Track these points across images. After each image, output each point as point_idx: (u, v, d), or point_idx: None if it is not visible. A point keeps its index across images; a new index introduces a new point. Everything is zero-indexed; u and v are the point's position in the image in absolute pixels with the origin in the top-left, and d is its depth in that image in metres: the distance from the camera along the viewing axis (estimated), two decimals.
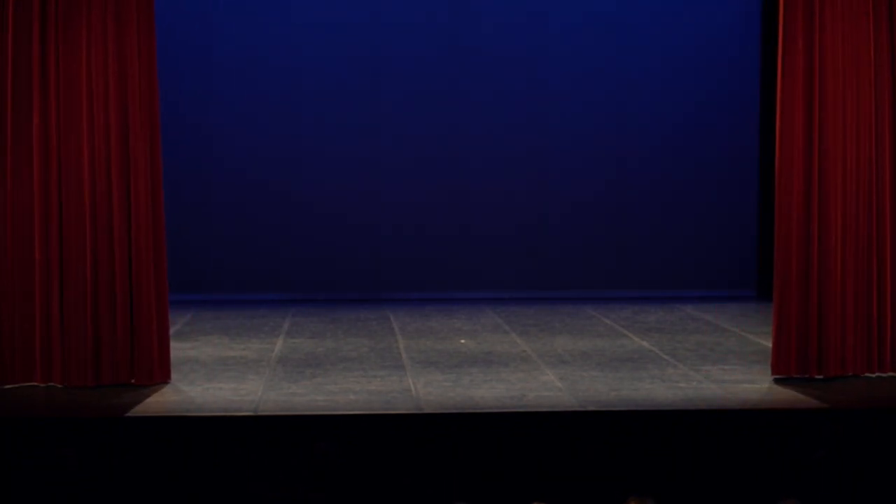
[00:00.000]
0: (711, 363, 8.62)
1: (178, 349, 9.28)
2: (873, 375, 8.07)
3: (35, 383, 7.80)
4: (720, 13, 12.27)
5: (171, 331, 10.07)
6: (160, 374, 7.91)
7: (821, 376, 7.99)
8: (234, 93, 12.04)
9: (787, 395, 7.61)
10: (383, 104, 12.14)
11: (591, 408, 7.23)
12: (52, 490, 6.69)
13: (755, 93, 12.19)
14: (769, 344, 9.39)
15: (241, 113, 12.05)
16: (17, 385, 7.78)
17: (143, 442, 6.90)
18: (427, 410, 7.17)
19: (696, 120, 12.28)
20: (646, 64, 12.22)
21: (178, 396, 7.59)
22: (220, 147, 12.05)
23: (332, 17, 12.09)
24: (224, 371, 8.37)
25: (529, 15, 12.17)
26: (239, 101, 12.05)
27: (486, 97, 12.18)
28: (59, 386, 7.78)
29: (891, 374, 8.09)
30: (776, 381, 7.99)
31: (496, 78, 12.16)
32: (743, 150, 12.25)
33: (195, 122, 12.02)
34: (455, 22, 12.16)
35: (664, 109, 12.24)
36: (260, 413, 7.10)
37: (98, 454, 6.82)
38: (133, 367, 7.85)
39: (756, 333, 9.99)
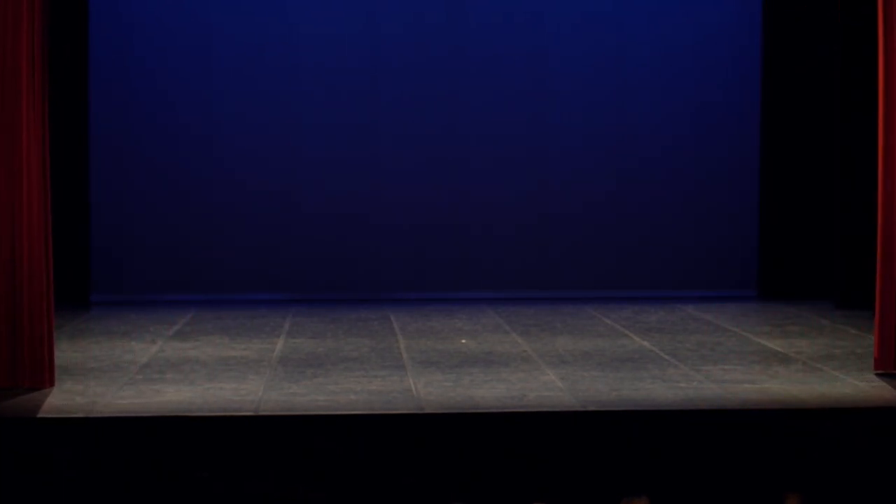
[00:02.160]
0: (712, 363, 8.62)
1: (179, 349, 9.29)
2: None
3: None
4: (720, 13, 12.27)
5: (172, 330, 10.14)
6: (46, 378, 7.77)
7: None
8: (232, 93, 12.04)
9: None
10: (383, 104, 12.15)
11: (591, 408, 7.22)
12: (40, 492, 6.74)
13: (756, 91, 12.20)
14: (770, 344, 9.42)
15: (241, 112, 12.05)
16: None
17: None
18: (428, 410, 7.17)
19: (696, 119, 12.28)
20: (646, 63, 12.22)
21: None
22: (219, 147, 12.06)
23: (329, 15, 12.09)
24: (225, 371, 8.37)
25: (529, 14, 12.16)
26: (238, 100, 12.05)
27: (486, 97, 12.18)
28: None
29: None
30: (878, 375, 8.07)
31: (496, 78, 12.16)
32: (744, 149, 12.26)
33: (194, 121, 12.02)
34: (454, 22, 12.16)
35: (664, 109, 12.25)
36: (261, 413, 7.10)
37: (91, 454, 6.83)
38: (15, 371, 7.73)
39: (757, 333, 10.00)
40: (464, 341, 9.62)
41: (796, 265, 12.09)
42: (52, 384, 7.77)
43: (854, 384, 7.87)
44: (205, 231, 12.07)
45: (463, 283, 12.17)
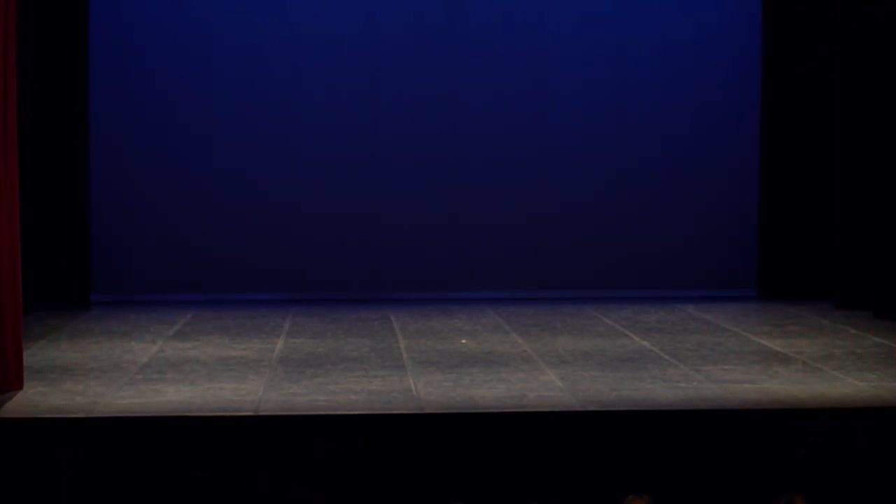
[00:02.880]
0: (712, 363, 8.62)
1: (179, 349, 9.29)
2: None
3: None
4: (720, 13, 12.25)
5: (172, 330, 10.14)
6: (12, 380, 7.68)
7: None
8: (232, 93, 12.03)
9: None
10: (383, 104, 12.14)
11: (591, 408, 7.22)
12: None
13: (756, 91, 12.18)
14: (770, 344, 9.43)
15: (241, 112, 12.04)
16: None
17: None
18: (428, 410, 7.17)
19: (696, 119, 12.27)
20: (646, 64, 12.21)
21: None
22: (219, 147, 12.05)
23: (329, 15, 12.09)
24: (225, 371, 8.37)
25: (529, 14, 12.16)
26: (238, 100, 12.04)
27: (486, 97, 12.18)
28: None
29: None
30: None
31: (496, 78, 12.15)
32: (744, 149, 12.24)
33: (194, 121, 12.02)
34: (454, 22, 12.16)
35: (664, 109, 12.24)
36: (261, 413, 7.10)
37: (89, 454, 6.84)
38: None
39: (757, 333, 10.00)
40: (464, 341, 9.62)
41: (796, 265, 12.08)
42: (19, 386, 7.69)
43: (854, 384, 7.87)
44: (205, 231, 12.06)
45: (463, 283, 12.16)
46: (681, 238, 12.31)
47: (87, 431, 6.90)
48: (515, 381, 8.00)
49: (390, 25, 12.13)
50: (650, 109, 12.25)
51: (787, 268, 12.10)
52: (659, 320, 10.70)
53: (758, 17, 12.19)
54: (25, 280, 10.99)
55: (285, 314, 11.04)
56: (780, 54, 12.11)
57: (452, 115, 12.19)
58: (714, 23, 12.27)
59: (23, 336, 7.93)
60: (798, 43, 12.06)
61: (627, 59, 12.20)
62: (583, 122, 12.23)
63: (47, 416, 7.04)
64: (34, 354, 8.98)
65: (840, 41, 11.34)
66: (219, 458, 6.86)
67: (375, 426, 7.00)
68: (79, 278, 11.78)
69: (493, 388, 7.78)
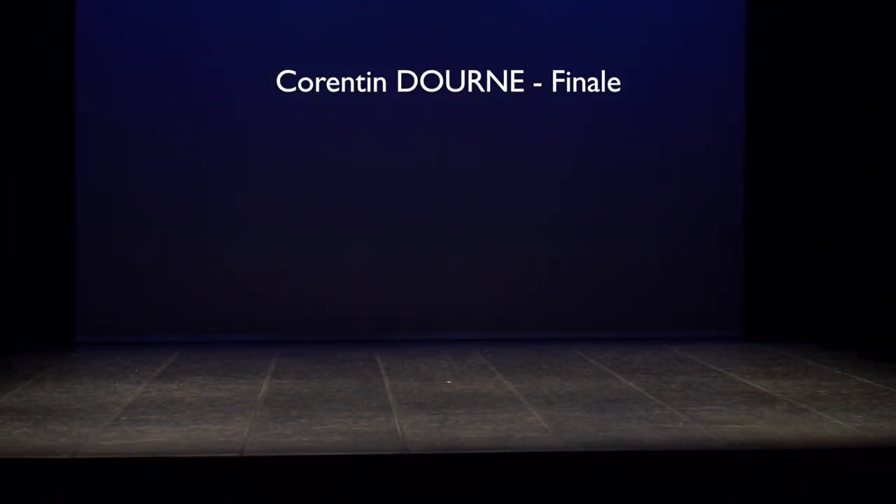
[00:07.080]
0: (698, 404, 8.63)
1: (164, 390, 9.27)
2: None
3: None
4: (707, 68, 12.28)
5: (157, 371, 10.12)
6: None
7: None
8: (217, 140, 12.04)
9: None
10: (367, 149, 12.15)
11: (577, 448, 7.22)
12: None
13: (741, 128, 12.17)
14: (755, 385, 9.44)
15: (227, 156, 12.06)
16: None
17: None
18: (413, 451, 7.16)
19: (680, 159, 12.30)
20: (628, 99, 12.22)
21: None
22: (205, 190, 12.06)
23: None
24: (210, 412, 8.35)
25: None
26: (223, 149, 12.06)
27: (471, 136, 12.20)
28: None
29: None
30: None
31: (479, 113, 12.15)
32: (729, 190, 12.27)
33: (180, 164, 12.04)
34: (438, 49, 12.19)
35: (648, 151, 12.27)
36: (246, 454, 7.08)
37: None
38: None
39: (742, 374, 10.01)
40: (449, 382, 9.61)
41: (781, 305, 12.09)
42: None
43: (840, 425, 7.88)
44: (191, 272, 12.06)
45: (449, 324, 12.16)
46: (666, 279, 12.33)
47: (71, 473, 6.87)
48: (501, 422, 7.99)
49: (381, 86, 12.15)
50: (634, 151, 12.27)
51: (772, 308, 12.11)
52: (644, 361, 10.71)
53: (741, 67, 12.22)
54: (11, 320, 11.02)
55: (271, 355, 11.03)
56: (764, 102, 12.13)
57: (438, 160, 12.21)
58: (702, 78, 12.32)
59: None
60: (784, 89, 12.11)
61: (611, 105, 12.22)
62: (566, 167, 12.24)
63: (31, 457, 7.01)
64: (19, 395, 8.97)
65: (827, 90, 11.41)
66: (203, 499, 6.84)
67: (361, 467, 6.98)
68: (64, 319, 11.75)
69: (479, 429, 7.78)
